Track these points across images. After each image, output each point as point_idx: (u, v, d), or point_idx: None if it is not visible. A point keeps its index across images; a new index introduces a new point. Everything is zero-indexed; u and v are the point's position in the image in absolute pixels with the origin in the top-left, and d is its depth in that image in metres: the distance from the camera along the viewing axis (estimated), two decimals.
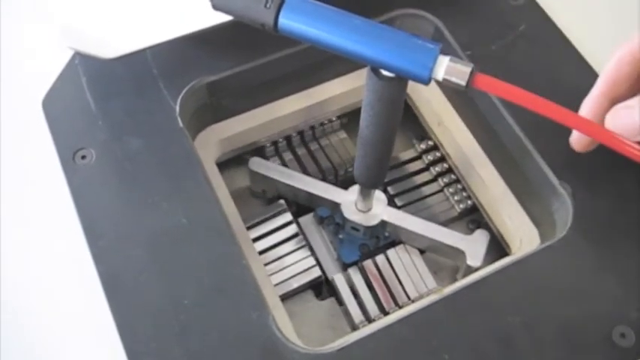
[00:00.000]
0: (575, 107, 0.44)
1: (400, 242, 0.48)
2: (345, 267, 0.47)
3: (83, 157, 0.41)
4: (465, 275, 0.45)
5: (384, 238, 0.48)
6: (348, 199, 0.46)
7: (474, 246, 0.45)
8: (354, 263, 0.47)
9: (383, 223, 0.46)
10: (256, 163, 0.48)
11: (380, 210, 0.46)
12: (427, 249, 0.48)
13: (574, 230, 0.40)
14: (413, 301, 0.45)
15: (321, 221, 0.49)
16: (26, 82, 0.46)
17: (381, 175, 0.41)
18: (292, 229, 0.48)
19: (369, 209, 0.46)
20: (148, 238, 0.39)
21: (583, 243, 0.39)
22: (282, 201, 0.49)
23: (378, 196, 0.46)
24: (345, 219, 0.46)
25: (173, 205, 0.40)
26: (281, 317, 0.41)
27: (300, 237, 0.48)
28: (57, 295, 0.40)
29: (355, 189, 0.45)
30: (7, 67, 0.47)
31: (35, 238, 0.42)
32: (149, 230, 0.39)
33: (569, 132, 0.43)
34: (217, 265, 0.38)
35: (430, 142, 0.51)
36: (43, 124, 0.42)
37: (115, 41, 0.39)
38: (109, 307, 0.37)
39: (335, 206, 0.47)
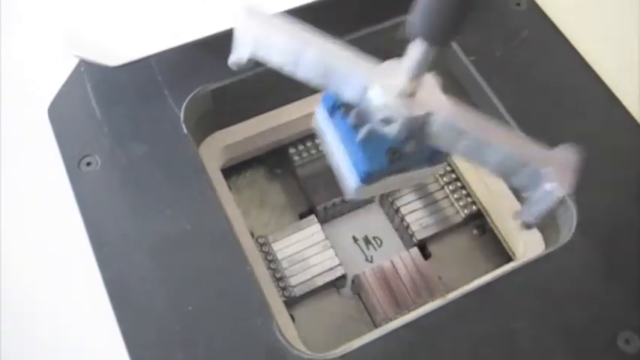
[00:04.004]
0: (579, 113, 0.45)
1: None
2: (367, 179, 0.32)
3: (88, 164, 0.41)
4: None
5: (422, 148, 0.32)
6: (383, 72, 0.31)
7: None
8: (377, 175, 0.33)
9: (429, 119, 0.30)
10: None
11: (429, 96, 0.30)
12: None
13: (578, 235, 0.40)
14: (418, 306, 0.45)
15: (331, 111, 0.34)
16: (32, 89, 0.46)
17: (458, 15, 0.26)
18: (320, 236, 0.48)
19: (414, 93, 0.30)
20: (153, 244, 0.39)
21: (587, 248, 0.39)
22: (312, 216, 0.49)
23: (428, 79, 0.31)
24: (373, 106, 0.31)
25: (177, 212, 0.40)
26: (285, 323, 0.41)
27: (327, 241, 0.48)
28: (62, 302, 0.40)
29: (393, 62, 0.31)
30: (13, 74, 0.48)
31: (40, 245, 0.42)
32: (154, 236, 0.39)
33: (573, 137, 0.43)
34: (221, 272, 0.39)
35: None
36: (49, 131, 0.43)
37: (120, 49, 0.39)
38: (114, 313, 0.37)
39: (359, 88, 0.31)
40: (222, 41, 0.42)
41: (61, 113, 0.43)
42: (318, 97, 0.49)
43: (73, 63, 0.44)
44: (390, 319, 0.45)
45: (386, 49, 0.49)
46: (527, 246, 0.45)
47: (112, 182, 0.41)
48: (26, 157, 0.45)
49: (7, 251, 0.41)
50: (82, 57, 0.39)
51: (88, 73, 0.44)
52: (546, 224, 0.44)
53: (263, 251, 0.47)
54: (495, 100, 0.44)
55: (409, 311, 0.45)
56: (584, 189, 0.41)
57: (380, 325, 0.45)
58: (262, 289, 0.39)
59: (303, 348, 0.39)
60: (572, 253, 0.39)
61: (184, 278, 0.38)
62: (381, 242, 0.50)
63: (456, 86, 0.48)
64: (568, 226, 0.41)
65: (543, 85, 0.45)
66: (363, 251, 0.50)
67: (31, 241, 0.42)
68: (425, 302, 0.45)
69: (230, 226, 0.40)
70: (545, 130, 0.43)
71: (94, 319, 0.39)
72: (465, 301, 0.38)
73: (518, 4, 0.49)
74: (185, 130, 0.42)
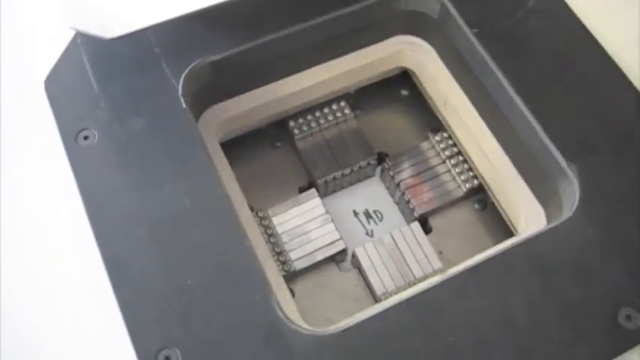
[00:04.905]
0: (584, 85, 0.44)
1: None
2: None
3: (86, 138, 0.41)
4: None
5: None
6: None
7: None
8: None
9: None
10: None
11: None
12: None
13: (580, 212, 0.39)
14: (418, 281, 0.45)
15: None
16: (29, 62, 0.46)
17: None
18: (320, 210, 0.47)
19: None
20: (151, 220, 0.39)
21: (589, 224, 0.39)
22: (312, 190, 0.48)
23: None
24: None
25: (176, 187, 0.40)
26: (284, 298, 0.41)
27: (327, 215, 0.47)
28: (60, 278, 0.40)
29: None
30: (9, 46, 0.47)
31: (37, 220, 0.42)
32: (152, 212, 0.39)
33: (577, 112, 0.43)
34: (220, 247, 0.38)
35: (445, 134, 0.50)
36: (45, 104, 0.42)
37: (117, 21, 0.38)
38: (113, 289, 0.37)
39: None
40: (221, 12, 0.42)
41: (57, 86, 0.42)
42: (316, 69, 0.49)
43: (70, 35, 0.43)
44: (390, 295, 0.44)
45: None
46: (528, 221, 0.44)
47: (109, 157, 0.41)
48: (23, 131, 0.44)
49: (4, 227, 0.41)
50: (78, 29, 0.39)
51: (84, 45, 0.43)
52: (549, 199, 0.43)
53: (263, 225, 0.47)
54: (499, 74, 0.44)
55: (410, 286, 0.45)
56: (588, 164, 0.41)
57: (380, 301, 0.44)
58: (262, 264, 0.38)
59: (302, 323, 0.39)
60: (573, 229, 0.39)
61: (183, 254, 0.38)
62: (382, 216, 0.50)
63: (459, 60, 0.47)
64: (571, 201, 0.40)
65: (548, 58, 0.45)
66: (363, 225, 0.50)
67: (28, 217, 0.42)
68: (425, 277, 0.45)
69: (229, 201, 0.40)
70: (549, 104, 0.43)
71: (93, 295, 0.39)
72: (464, 276, 0.38)
73: None
74: (184, 104, 0.42)
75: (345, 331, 0.36)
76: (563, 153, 0.41)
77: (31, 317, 0.40)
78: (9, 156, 0.44)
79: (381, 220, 0.50)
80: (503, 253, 0.38)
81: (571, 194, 0.41)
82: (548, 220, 0.43)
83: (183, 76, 0.43)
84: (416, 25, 0.49)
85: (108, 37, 0.38)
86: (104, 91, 0.42)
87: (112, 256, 0.38)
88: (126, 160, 0.40)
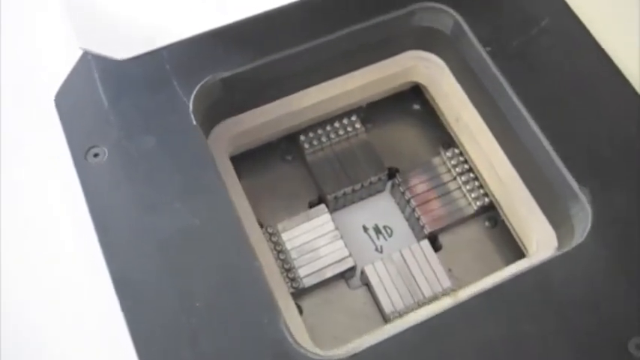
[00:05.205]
0: (599, 106, 0.43)
1: None
2: None
3: (95, 155, 0.41)
4: None
5: None
6: None
7: None
8: None
9: None
10: None
11: None
12: None
13: (592, 237, 0.39)
14: (427, 300, 0.45)
15: None
16: (40, 77, 0.46)
17: None
18: (330, 226, 0.47)
19: None
20: (161, 238, 0.39)
21: (601, 251, 0.39)
22: (322, 205, 0.48)
23: None
24: None
25: (186, 205, 0.39)
26: (292, 317, 0.41)
27: (336, 232, 0.47)
28: (68, 296, 0.40)
29: None
30: (20, 61, 0.47)
31: (37, 220, 0.42)
32: (162, 231, 0.39)
33: (591, 134, 0.42)
34: (229, 267, 0.38)
35: (457, 150, 0.50)
36: (55, 120, 0.42)
37: (129, 42, 0.38)
38: (121, 308, 0.37)
39: None
40: (232, 30, 0.41)
41: (68, 102, 0.42)
42: (328, 84, 0.49)
43: (80, 50, 0.43)
44: (400, 314, 0.44)
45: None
46: (539, 243, 0.44)
47: (119, 174, 0.40)
48: (33, 148, 0.44)
49: (11, 243, 0.41)
50: (89, 50, 0.39)
51: (94, 61, 0.43)
52: (560, 221, 0.43)
53: (272, 241, 0.46)
54: (512, 93, 0.43)
55: (419, 305, 0.44)
56: (601, 188, 0.40)
57: (389, 320, 0.44)
58: (270, 284, 0.38)
59: (310, 345, 0.39)
60: (585, 255, 0.39)
61: (192, 273, 0.38)
62: (392, 232, 0.50)
63: (471, 77, 0.47)
64: (583, 226, 0.40)
65: (562, 77, 0.44)
66: (373, 241, 0.49)
67: (28, 216, 0.42)
68: (434, 296, 0.45)
69: (239, 220, 0.40)
70: (562, 125, 0.43)
71: (101, 313, 0.39)
72: (475, 302, 0.38)
73: None
74: (194, 121, 0.42)
75: (354, 356, 0.36)
76: (576, 175, 0.41)
77: (32, 317, 0.40)
78: (9, 156, 0.44)
79: (390, 236, 0.50)
80: (514, 279, 0.38)
81: (583, 218, 0.40)
82: (560, 242, 0.43)
83: (194, 93, 0.42)
84: (429, 41, 0.49)
85: (119, 58, 0.38)
86: (114, 107, 0.42)
87: (120, 274, 0.38)
88: (135, 177, 0.40)
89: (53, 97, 0.43)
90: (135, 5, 0.40)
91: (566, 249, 0.39)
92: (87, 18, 0.39)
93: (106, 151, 0.41)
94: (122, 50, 0.38)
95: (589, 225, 0.39)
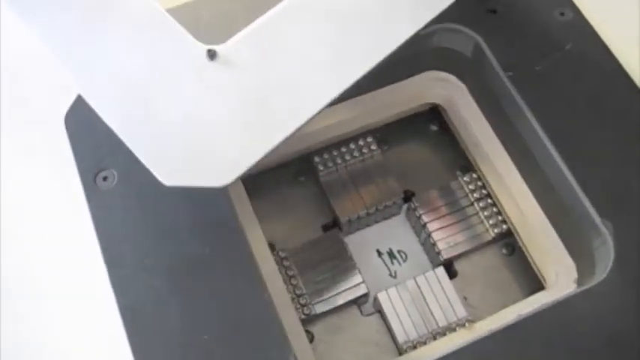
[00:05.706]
0: (623, 135, 0.42)
1: None
2: None
3: (105, 179, 0.40)
4: None
5: None
6: None
7: None
8: None
9: None
10: None
11: None
12: None
13: (615, 273, 0.38)
14: (442, 330, 0.44)
15: None
16: (51, 96, 0.45)
17: None
18: (343, 251, 0.46)
19: None
20: (169, 268, 0.38)
21: (624, 287, 0.37)
22: (335, 230, 0.47)
23: None
24: None
25: (195, 234, 0.39)
26: (302, 346, 0.40)
27: (350, 257, 0.46)
28: (75, 324, 0.40)
29: None
30: (29, 79, 0.46)
31: (38, 220, 0.41)
32: (170, 260, 0.38)
33: (615, 165, 0.41)
34: (238, 299, 0.37)
35: (474, 175, 0.49)
36: (65, 141, 0.41)
37: None
38: (128, 339, 0.36)
39: None
40: None
41: (77, 123, 0.42)
42: (342, 106, 0.48)
43: None
44: (413, 343, 0.43)
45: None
46: (558, 274, 0.42)
47: (128, 199, 0.40)
48: (41, 170, 0.44)
49: (5, 226, 0.41)
50: None
51: None
52: (581, 254, 0.42)
53: (283, 265, 0.45)
54: (533, 120, 0.42)
55: (432, 335, 0.43)
56: (624, 223, 0.39)
57: (402, 350, 0.43)
58: (280, 311, 0.37)
59: None
60: (607, 292, 0.37)
61: (201, 305, 0.37)
62: (406, 256, 0.49)
63: (491, 101, 0.45)
64: (605, 261, 0.39)
65: (586, 105, 0.43)
66: (387, 266, 0.48)
67: (29, 217, 0.41)
68: (449, 326, 0.44)
69: (249, 250, 0.39)
70: (585, 154, 0.41)
71: (107, 345, 0.38)
72: (492, 341, 0.36)
73: (562, 14, 0.46)
74: None
75: None
76: (597, 208, 0.40)
77: (32, 318, 0.39)
78: (10, 156, 0.43)
79: (405, 261, 0.49)
80: (532, 317, 0.37)
81: (605, 252, 0.39)
82: (580, 275, 0.41)
83: None
84: (448, 62, 0.47)
85: None
86: None
87: (127, 304, 0.37)
88: (144, 203, 0.40)
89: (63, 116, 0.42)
90: None
91: (587, 285, 0.38)
92: None
93: (116, 174, 0.40)
94: None
95: (611, 260, 0.38)
